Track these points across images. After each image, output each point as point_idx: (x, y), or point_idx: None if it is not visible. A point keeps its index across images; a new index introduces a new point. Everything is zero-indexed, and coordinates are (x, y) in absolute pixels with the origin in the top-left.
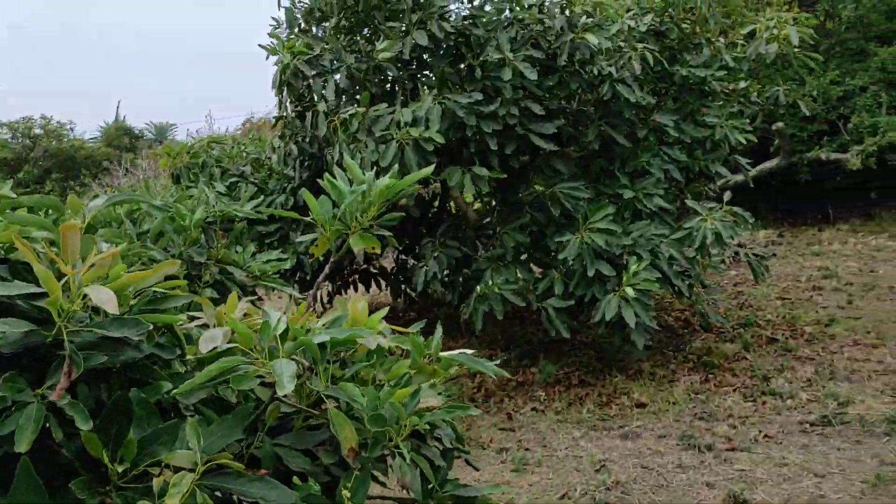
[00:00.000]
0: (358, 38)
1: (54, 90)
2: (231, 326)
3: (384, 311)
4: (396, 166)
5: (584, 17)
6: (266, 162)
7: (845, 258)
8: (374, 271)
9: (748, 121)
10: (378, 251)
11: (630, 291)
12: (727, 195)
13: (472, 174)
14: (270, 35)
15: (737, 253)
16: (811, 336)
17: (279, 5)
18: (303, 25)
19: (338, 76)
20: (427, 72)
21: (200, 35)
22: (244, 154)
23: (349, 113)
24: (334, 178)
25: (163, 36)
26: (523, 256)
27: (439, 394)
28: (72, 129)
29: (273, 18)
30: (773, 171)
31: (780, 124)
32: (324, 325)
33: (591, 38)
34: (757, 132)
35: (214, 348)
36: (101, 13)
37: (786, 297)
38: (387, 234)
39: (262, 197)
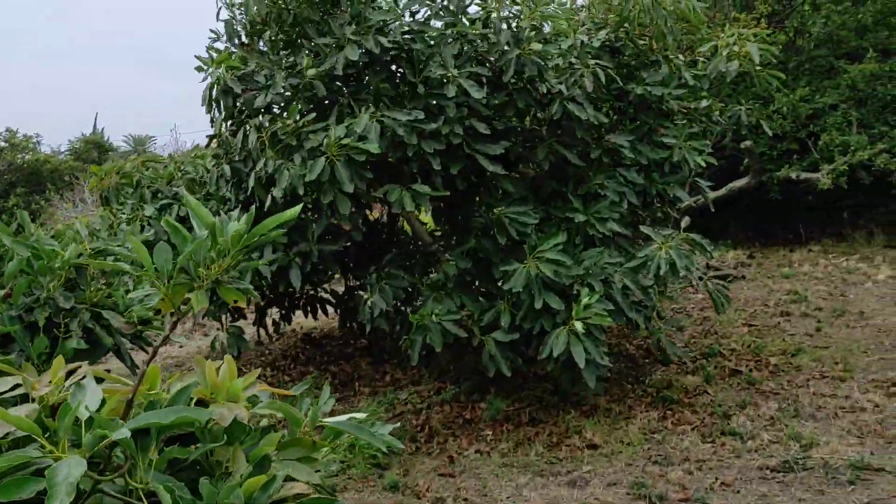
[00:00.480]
0: (293, 52)
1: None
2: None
3: (255, 374)
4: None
5: (531, 31)
6: (205, 182)
7: (815, 281)
8: (325, 296)
9: (709, 142)
10: (243, 305)
11: (579, 326)
12: (685, 221)
13: (413, 192)
14: (209, 49)
15: (701, 277)
16: (776, 368)
17: (218, 16)
18: (244, 39)
19: (271, 93)
20: (369, 89)
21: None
22: (179, 174)
23: (277, 127)
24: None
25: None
26: (475, 283)
27: (318, 471)
28: (38, 143)
29: (212, 31)
30: (742, 190)
31: (749, 143)
32: (178, 390)
33: (535, 46)
34: (726, 150)
35: (6, 434)
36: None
37: (752, 323)
38: (246, 287)
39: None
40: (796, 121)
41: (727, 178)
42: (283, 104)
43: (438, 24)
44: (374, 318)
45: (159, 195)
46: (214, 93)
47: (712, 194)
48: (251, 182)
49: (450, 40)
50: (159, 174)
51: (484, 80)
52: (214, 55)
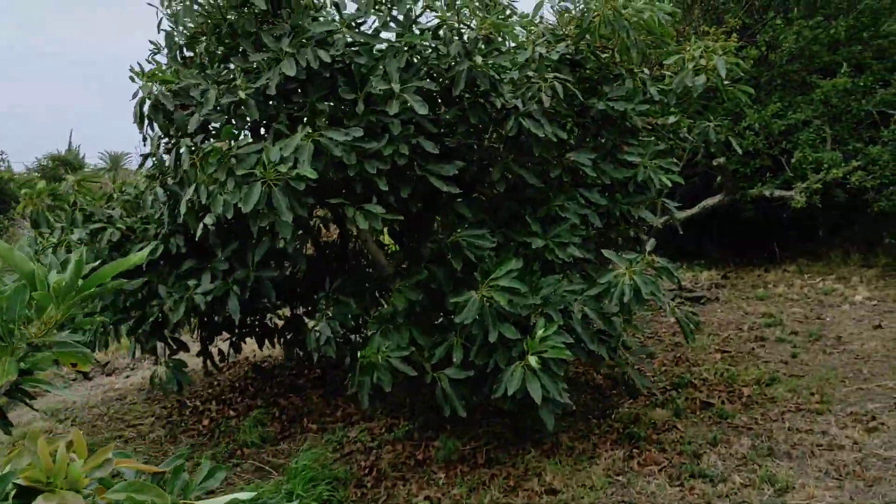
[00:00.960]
0: (230, 67)
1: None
2: None
3: (110, 448)
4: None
5: (483, 42)
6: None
7: (791, 303)
8: (276, 324)
9: (676, 160)
10: (85, 369)
11: (534, 361)
12: (650, 244)
13: (365, 211)
14: (149, 61)
15: (673, 299)
16: (749, 399)
17: (158, 28)
18: (185, 52)
19: (204, 111)
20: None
21: None
22: (118, 195)
23: (206, 149)
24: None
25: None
26: (427, 315)
27: None
28: (3, 160)
29: (151, 42)
30: (715, 208)
31: (721, 159)
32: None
33: (478, 59)
34: (699, 167)
35: None
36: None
37: (725, 349)
38: (82, 350)
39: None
40: (769, 137)
41: (700, 195)
42: (220, 123)
43: (390, 35)
44: (321, 345)
45: (93, 218)
46: (146, 108)
47: (682, 214)
48: (182, 209)
49: (395, 52)
50: (90, 194)
51: (435, 95)
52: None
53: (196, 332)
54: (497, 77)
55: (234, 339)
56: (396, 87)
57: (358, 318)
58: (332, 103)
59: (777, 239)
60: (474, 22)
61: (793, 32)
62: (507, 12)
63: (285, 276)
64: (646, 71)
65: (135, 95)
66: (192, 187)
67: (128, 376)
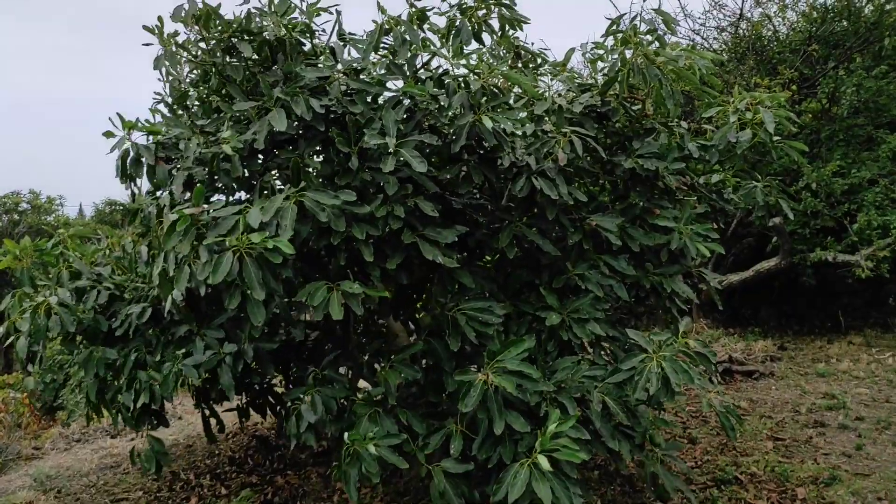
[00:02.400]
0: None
1: None
2: None
3: None
4: None
5: (488, 95)
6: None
7: (856, 382)
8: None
9: (714, 225)
10: None
11: (544, 462)
12: (684, 323)
13: (342, 291)
14: (152, 111)
15: (722, 372)
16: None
17: (163, 75)
18: (194, 101)
19: (183, 166)
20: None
21: None
22: (107, 251)
23: (174, 214)
24: None
25: None
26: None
27: None
28: (62, 205)
29: (156, 93)
30: (771, 272)
31: (777, 220)
32: None
33: (487, 122)
34: (753, 227)
35: None
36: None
37: (779, 436)
38: None
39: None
40: (829, 197)
41: (755, 258)
42: (201, 179)
43: (399, 83)
44: (301, 433)
45: (81, 276)
46: (128, 164)
47: (735, 277)
48: (154, 279)
49: (394, 103)
50: (87, 252)
51: (438, 150)
52: (159, 118)
53: (194, 397)
54: (505, 132)
55: (239, 407)
56: (392, 141)
57: (346, 398)
58: (324, 158)
59: (842, 306)
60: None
61: (853, 83)
62: (539, 60)
63: (286, 344)
64: (683, 125)
65: (114, 149)
66: (162, 255)
67: (132, 438)
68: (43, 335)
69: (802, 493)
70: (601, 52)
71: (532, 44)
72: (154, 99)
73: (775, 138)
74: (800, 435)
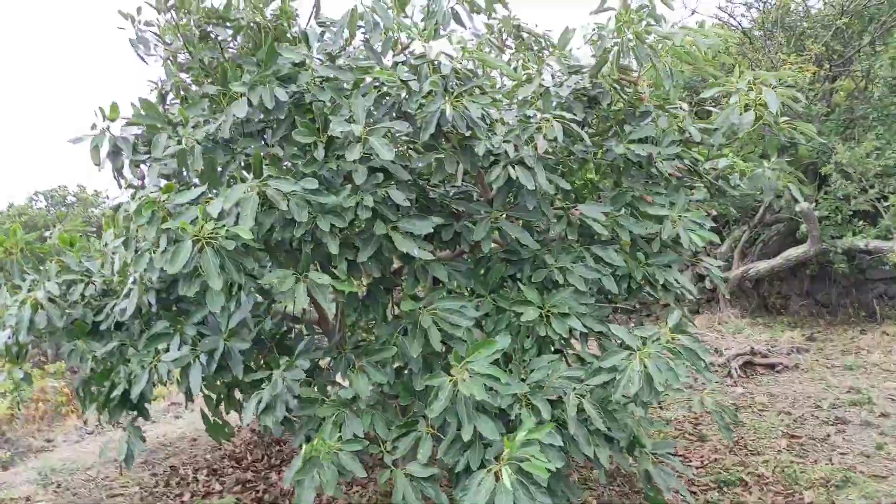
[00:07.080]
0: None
1: None
2: None
3: None
4: None
5: (461, 80)
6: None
7: (886, 375)
8: None
9: (706, 213)
10: None
11: (507, 475)
12: (673, 317)
13: (310, 282)
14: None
15: (746, 369)
16: None
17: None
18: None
19: (159, 157)
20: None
21: None
22: (98, 244)
23: (135, 203)
24: None
25: None
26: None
27: None
28: (107, 198)
29: (151, 81)
30: (800, 259)
31: (805, 204)
32: None
33: (448, 109)
34: (783, 213)
35: None
36: None
37: (795, 433)
38: None
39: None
40: (862, 180)
41: (784, 244)
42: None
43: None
44: (259, 414)
45: (66, 269)
46: (103, 153)
47: (762, 265)
48: (126, 267)
49: (365, 91)
50: (80, 244)
51: (411, 138)
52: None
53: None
54: (484, 119)
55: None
56: (358, 128)
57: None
58: (290, 147)
59: (877, 294)
60: (454, 54)
61: (888, 59)
62: (543, 42)
63: (271, 337)
64: (684, 107)
65: (77, 140)
66: (133, 243)
67: (144, 431)
68: (29, 328)
69: (810, 497)
70: (604, 32)
71: (536, 25)
72: (149, 87)
73: (781, 119)
74: (817, 432)
